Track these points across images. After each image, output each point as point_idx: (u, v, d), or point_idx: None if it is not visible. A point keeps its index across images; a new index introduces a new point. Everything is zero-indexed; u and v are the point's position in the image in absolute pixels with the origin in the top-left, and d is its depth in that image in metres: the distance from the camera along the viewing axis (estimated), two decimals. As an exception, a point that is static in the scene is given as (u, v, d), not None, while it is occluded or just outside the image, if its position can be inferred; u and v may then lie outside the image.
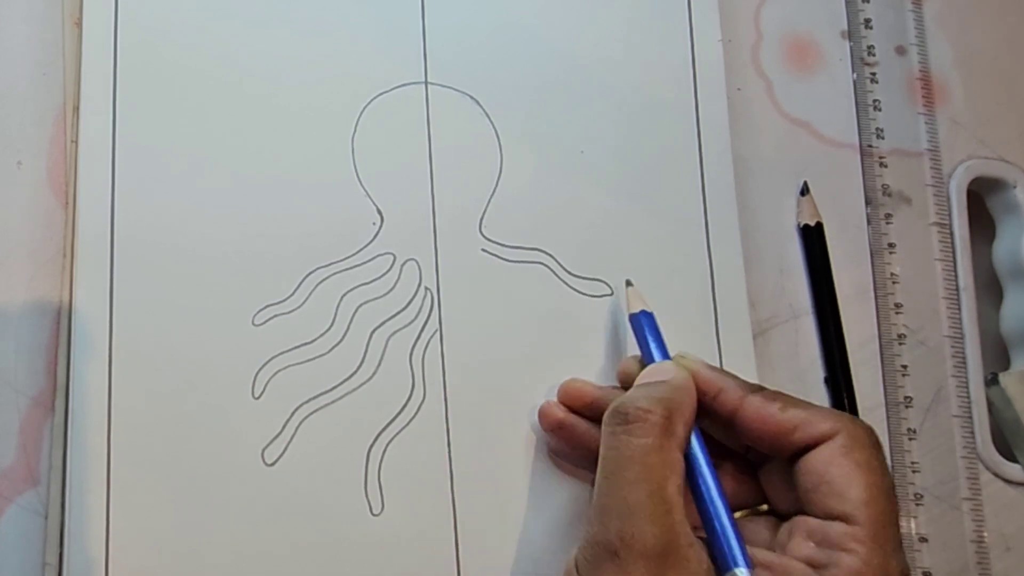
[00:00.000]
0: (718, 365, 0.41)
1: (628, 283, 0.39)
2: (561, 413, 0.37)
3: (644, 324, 0.37)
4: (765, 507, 0.36)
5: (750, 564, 0.31)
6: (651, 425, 0.32)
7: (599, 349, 0.40)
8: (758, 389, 0.35)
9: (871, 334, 0.44)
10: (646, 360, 0.37)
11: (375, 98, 0.41)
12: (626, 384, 0.37)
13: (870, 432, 0.34)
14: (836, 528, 0.31)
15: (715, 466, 0.34)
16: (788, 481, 0.34)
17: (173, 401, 0.37)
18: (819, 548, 0.32)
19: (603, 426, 0.34)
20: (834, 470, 0.32)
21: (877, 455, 0.33)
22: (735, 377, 0.36)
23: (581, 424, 0.37)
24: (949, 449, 0.43)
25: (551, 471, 0.39)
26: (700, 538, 0.32)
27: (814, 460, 0.33)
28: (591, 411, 0.37)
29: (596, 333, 0.40)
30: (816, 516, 0.32)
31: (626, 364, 0.38)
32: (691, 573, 0.30)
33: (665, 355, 0.36)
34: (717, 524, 0.32)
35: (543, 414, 0.38)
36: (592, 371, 0.40)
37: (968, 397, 0.44)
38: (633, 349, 0.40)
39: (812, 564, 0.31)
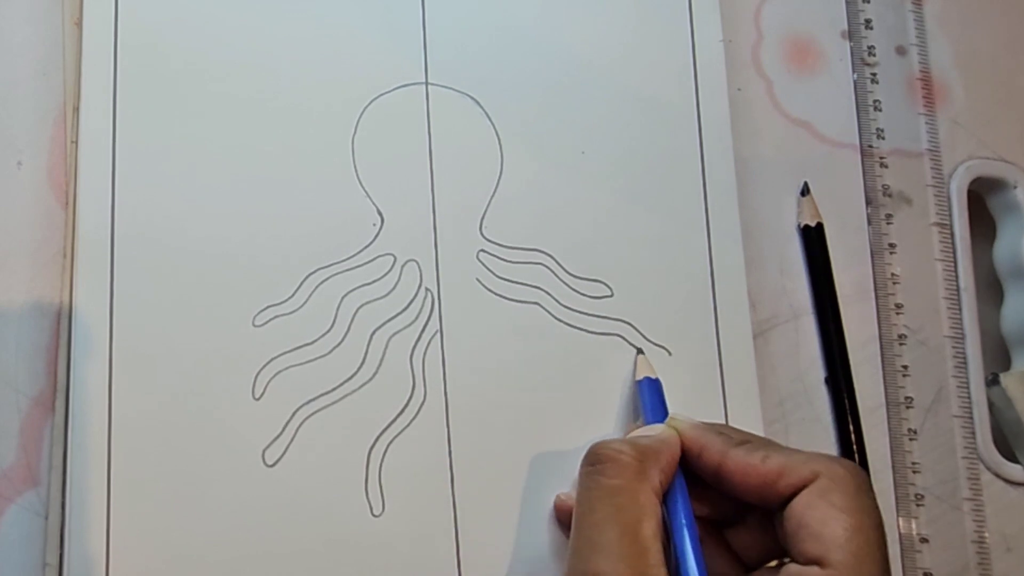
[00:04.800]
0: (717, 367, 0.41)
1: (639, 351, 0.40)
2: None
3: (646, 391, 0.38)
4: (774, 563, 0.35)
5: None
6: (622, 466, 0.32)
7: (599, 349, 0.40)
8: (743, 441, 0.34)
9: (871, 334, 0.44)
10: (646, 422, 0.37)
11: (375, 99, 0.41)
12: None
13: (854, 471, 0.33)
14: (813, 572, 0.31)
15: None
16: (763, 536, 0.34)
17: (173, 401, 0.37)
18: None
19: (580, 468, 0.34)
20: (812, 513, 0.32)
21: (858, 495, 0.32)
22: (722, 432, 0.35)
23: None
24: (950, 449, 0.43)
25: (551, 471, 0.39)
26: None
27: (795, 506, 0.32)
28: None
29: (595, 334, 0.40)
30: (797, 562, 0.32)
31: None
32: None
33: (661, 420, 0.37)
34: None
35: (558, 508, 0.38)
36: (592, 370, 0.40)
37: (969, 397, 0.44)
38: (632, 352, 0.40)
39: None
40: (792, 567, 0.32)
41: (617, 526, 0.31)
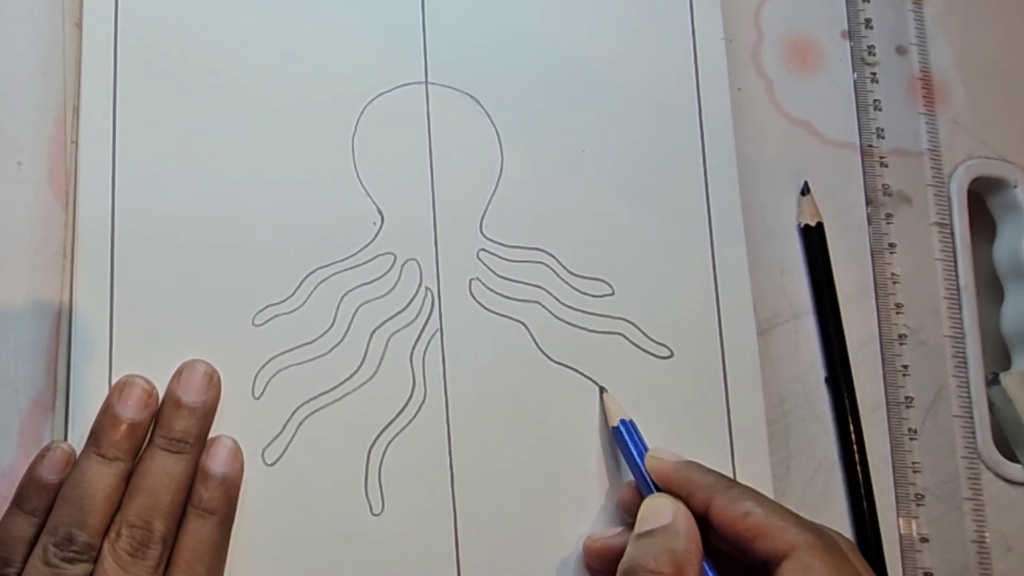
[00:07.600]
0: (720, 366, 0.41)
1: (603, 390, 0.39)
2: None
3: (624, 434, 0.38)
4: None
5: None
6: None
7: (600, 348, 0.40)
8: (728, 488, 0.34)
9: (872, 334, 0.44)
10: (636, 479, 0.37)
11: (375, 98, 0.41)
12: (628, 512, 0.37)
13: (828, 540, 0.33)
14: None
15: None
16: None
17: (173, 401, 0.37)
18: None
19: None
20: None
21: (839, 566, 0.32)
22: (709, 475, 0.35)
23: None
24: (950, 449, 0.43)
25: (551, 471, 0.39)
26: None
27: None
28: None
29: (596, 333, 0.40)
30: None
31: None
32: None
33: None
34: None
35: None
36: (593, 370, 0.40)
37: (969, 397, 0.44)
38: (634, 351, 0.40)
39: None
40: None
41: None
